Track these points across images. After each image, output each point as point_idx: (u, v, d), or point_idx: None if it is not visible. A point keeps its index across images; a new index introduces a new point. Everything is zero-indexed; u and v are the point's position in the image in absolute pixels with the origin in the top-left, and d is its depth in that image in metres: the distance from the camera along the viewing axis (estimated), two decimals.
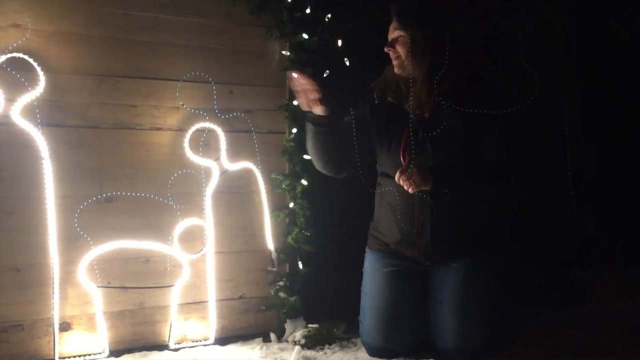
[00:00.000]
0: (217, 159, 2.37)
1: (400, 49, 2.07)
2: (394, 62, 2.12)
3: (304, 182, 2.46)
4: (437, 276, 2.19)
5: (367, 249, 2.32)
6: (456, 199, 2.06)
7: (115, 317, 2.24)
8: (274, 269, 2.47)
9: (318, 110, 2.12)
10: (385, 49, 2.11)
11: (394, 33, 2.08)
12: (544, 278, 2.85)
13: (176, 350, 2.28)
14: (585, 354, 2.15)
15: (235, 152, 2.41)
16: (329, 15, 2.49)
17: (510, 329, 2.36)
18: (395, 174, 2.07)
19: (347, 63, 2.50)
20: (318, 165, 2.27)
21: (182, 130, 2.34)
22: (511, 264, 2.58)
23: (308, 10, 2.46)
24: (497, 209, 2.19)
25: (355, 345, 2.33)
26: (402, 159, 2.08)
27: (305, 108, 2.18)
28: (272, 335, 2.42)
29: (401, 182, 2.01)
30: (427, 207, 2.08)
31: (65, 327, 2.16)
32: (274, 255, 2.48)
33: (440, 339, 2.15)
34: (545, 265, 2.83)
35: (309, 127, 2.19)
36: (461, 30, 2.15)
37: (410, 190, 2.01)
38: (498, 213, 2.20)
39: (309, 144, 2.24)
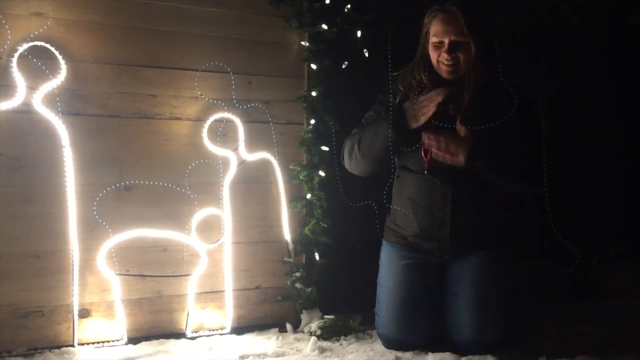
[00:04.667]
0: (235, 149, 2.38)
1: (462, 55, 1.99)
2: (448, 68, 2.00)
3: (322, 173, 2.46)
4: (453, 269, 2.19)
5: (383, 241, 2.32)
6: (477, 186, 2.04)
7: (134, 304, 2.27)
8: (290, 260, 2.48)
9: (459, 160, 1.99)
10: (446, 55, 2.00)
11: (455, 36, 1.96)
12: (560, 273, 2.84)
13: (193, 338, 2.30)
14: (600, 350, 2.13)
15: (253, 142, 2.42)
16: (349, 6, 2.48)
17: (526, 323, 2.36)
18: (416, 169, 2.06)
19: (366, 54, 2.49)
20: (364, 165, 2.16)
21: (200, 120, 2.34)
22: (528, 259, 2.57)
23: (327, 1, 2.45)
24: (518, 201, 2.17)
25: (371, 337, 2.34)
26: (423, 154, 2.07)
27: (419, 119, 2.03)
28: (288, 326, 2.42)
29: (433, 150, 1.95)
30: (447, 201, 2.07)
31: (84, 313, 2.19)
32: (290, 246, 2.48)
33: (456, 332, 2.15)
34: (562, 261, 2.82)
35: (389, 133, 2.02)
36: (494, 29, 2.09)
37: (444, 160, 1.95)
38: (518, 206, 2.18)
39: (375, 148, 2.09)
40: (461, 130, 1.95)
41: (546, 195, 1.89)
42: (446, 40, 1.99)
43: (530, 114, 2.03)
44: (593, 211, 3.10)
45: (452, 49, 1.98)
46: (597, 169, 3.17)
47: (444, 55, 2.00)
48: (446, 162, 1.99)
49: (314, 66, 2.46)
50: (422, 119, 2.00)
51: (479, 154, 1.95)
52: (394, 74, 2.16)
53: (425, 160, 2.07)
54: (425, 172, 2.09)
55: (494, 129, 1.92)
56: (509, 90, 1.94)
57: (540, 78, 3.00)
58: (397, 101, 2.12)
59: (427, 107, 1.99)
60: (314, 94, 2.46)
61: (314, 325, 2.37)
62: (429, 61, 2.09)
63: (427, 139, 2.00)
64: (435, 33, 2.02)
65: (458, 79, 2.04)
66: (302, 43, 2.48)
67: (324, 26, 2.44)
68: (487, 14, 2.05)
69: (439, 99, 1.97)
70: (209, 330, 2.36)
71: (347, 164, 2.25)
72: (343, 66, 2.49)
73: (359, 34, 2.48)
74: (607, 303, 2.73)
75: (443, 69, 2.04)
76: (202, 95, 2.34)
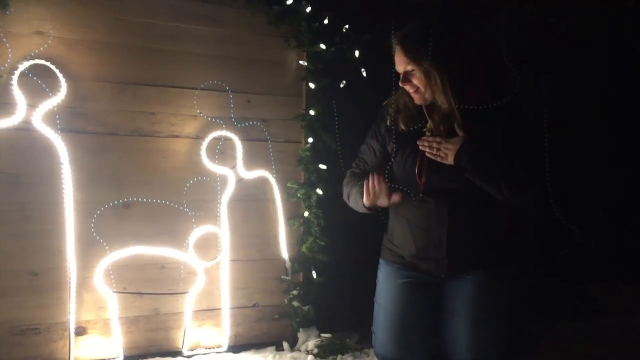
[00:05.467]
0: (233, 167, 2.39)
1: (417, 82, 2.03)
2: (414, 95, 2.07)
3: (319, 191, 2.47)
4: (450, 288, 2.18)
5: (381, 260, 2.31)
6: (473, 206, 2.05)
7: (130, 322, 2.26)
8: (287, 278, 2.48)
9: (448, 159, 2.00)
10: (401, 84, 2.07)
11: (404, 66, 2.01)
12: (558, 291, 2.84)
13: (189, 357, 2.29)
14: None
15: (251, 160, 2.43)
16: (347, 26, 2.51)
17: (524, 342, 2.35)
18: (411, 191, 2.08)
19: (364, 73, 2.52)
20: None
21: (199, 138, 2.36)
22: (527, 276, 2.57)
23: (326, 21, 2.48)
24: (515, 216, 2.17)
25: (368, 355, 2.33)
26: (417, 178, 2.08)
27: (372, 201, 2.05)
28: (285, 344, 2.42)
29: (427, 149, 1.99)
30: (443, 221, 2.08)
31: (80, 331, 2.18)
32: (288, 264, 2.48)
33: (454, 352, 2.13)
34: (560, 278, 2.83)
35: (363, 209, 2.08)
36: (479, 45, 2.11)
37: (436, 159, 1.99)
38: (516, 224, 2.19)
39: (358, 210, 2.14)
40: (459, 130, 1.98)
41: (548, 184, 1.90)
42: (400, 71, 2.05)
43: (521, 131, 2.04)
44: (592, 227, 3.12)
45: (406, 78, 2.04)
46: (596, 186, 3.19)
47: (402, 84, 2.06)
48: (437, 160, 2.01)
49: (312, 85, 2.48)
50: (378, 200, 2.03)
51: (466, 155, 1.97)
52: (385, 102, 2.20)
53: (420, 183, 2.09)
54: (421, 195, 2.11)
55: (486, 140, 1.95)
56: (502, 108, 1.96)
57: (541, 94, 3.02)
58: (388, 123, 2.14)
59: (379, 190, 2.02)
60: (312, 112, 2.48)
61: (311, 344, 2.36)
62: None
63: (421, 142, 2.02)
64: (395, 65, 2.08)
65: (431, 104, 2.07)
66: (301, 62, 2.50)
67: (322, 46, 2.46)
68: (443, 38, 2.06)
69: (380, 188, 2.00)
70: (206, 349, 2.35)
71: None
72: (341, 85, 2.51)
73: (357, 53, 2.50)
74: (606, 321, 2.73)
75: (412, 96, 2.10)
76: (200, 113, 2.36)
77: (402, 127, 2.10)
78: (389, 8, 2.60)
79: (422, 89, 2.02)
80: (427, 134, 2.05)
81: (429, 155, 2.04)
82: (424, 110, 2.08)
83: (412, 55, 1.99)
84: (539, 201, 2.05)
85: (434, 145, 2.02)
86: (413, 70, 2.01)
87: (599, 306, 2.86)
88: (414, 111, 2.09)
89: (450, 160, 2.00)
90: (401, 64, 2.04)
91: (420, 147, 2.04)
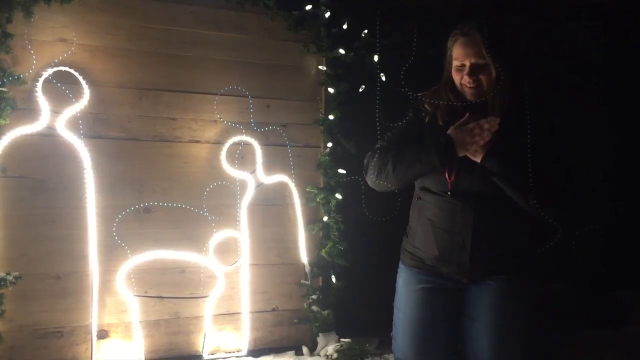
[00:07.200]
0: (252, 171, 2.40)
1: (484, 77, 2.01)
2: (471, 90, 2.02)
3: (339, 196, 2.47)
4: (472, 293, 2.15)
5: (400, 264, 2.30)
6: (500, 210, 2.03)
7: (151, 326, 2.28)
8: (307, 282, 2.48)
9: (477, 156, 1.94)
10: (467, 77, 2.04)
11: (475, 59, 1.96)
12: (583, 299, 2.80)
13: None
14: None
15: (271, 165, 2.44)
16: (366, 31, 2.51)
17: (548, 350, 2.32)
18: (437, 190, 2.05)
19: (383, 78, 2.51)
20: (393, 184, 2.05)
21: (219, 143, 2.37)
22: (550, 283, 2.54)
23: (345, 26, 2.49)
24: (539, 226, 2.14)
25: None
26: (447, 176, 2.06)
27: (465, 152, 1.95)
28: (305, 349, 2.42)
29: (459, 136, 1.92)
30: (468, 224, 2.06)
31: (102, 334, 2.20)
32: (307, 268, 2.48)
33: (475, 358, 2.11)
34: (585, 285, 2.79)
35: (436, 162, 1.96)
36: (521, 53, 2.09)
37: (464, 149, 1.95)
38: (539, 231, 2.16)
39: (414, 173, 2.03)
40: (494, 120, 1.93)
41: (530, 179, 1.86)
42: (467, 63, 2.00)
43: (554, 137, 2.02)
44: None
45: (474, 72, 1.98)
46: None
47: (466, 78, 2.01)
48: (466, 153, 1.96)
49: (331, 90, 2.49)
50: (473, 149, 1.98)
51: (495, 158, 1.94)
52: (419, 94, 2.16)
53: (449, 181, 2.06)
54: (449, 192, 2.08)
55: (517, 144, 1.92)
56: (537, 114, 1.94)
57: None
58: (427, 120, 2.11)
59: (479, 135, 1.97)
60: (331, 117, 2.48)
61: (331, 349, 2.36)
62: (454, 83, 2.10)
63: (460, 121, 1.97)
64: (457, 56, 2.03)
65: (483, 101, 2.04)
66: (320, 67, 2.51)
67: (342, 51, 2.47)
68: (510, 37, 2.05)
69: (493, 129, 1.95)
70: (226, 353, 2.36)
71: (372, 178, 2.19)
72: (360, 90, 2.51)
73: (375, 58, 2.50)
74: (630, 329, 2.68)
75: (467, 91, 2.04)
76: (221, 118, 2.38)
77: (441, 123, 2.06)
78: (407, 13, 2.60)
79: (485, 85, 1.99)
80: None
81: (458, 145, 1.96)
82: (468, 108, 2.05)
83: (492, 48, 1.94)
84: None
85: (469, 126, 1.95)
86: (485, 64, 1.97)
87: (624, 314, 2.81)
88: (458, 108, 2.06)
89: (478, 158, 1.96)
90: (472, 56, 1.96)
91: (452, 128, 1.97)
